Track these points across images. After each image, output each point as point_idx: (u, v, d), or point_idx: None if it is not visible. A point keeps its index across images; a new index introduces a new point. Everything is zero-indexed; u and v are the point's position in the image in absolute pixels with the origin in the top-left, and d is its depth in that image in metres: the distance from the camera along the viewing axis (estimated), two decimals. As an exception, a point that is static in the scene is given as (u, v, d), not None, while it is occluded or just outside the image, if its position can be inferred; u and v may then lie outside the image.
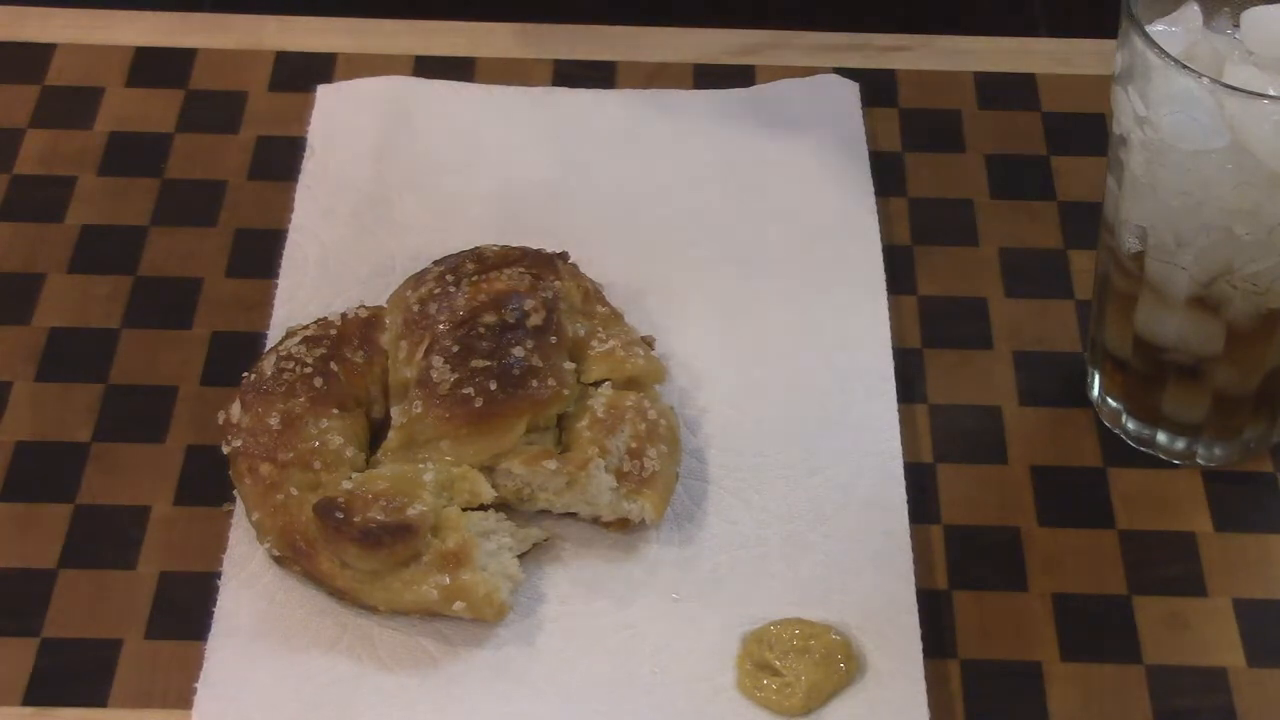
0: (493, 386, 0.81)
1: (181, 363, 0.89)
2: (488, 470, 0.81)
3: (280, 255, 0.93)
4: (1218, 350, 0.81)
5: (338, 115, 1.00)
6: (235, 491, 0.82)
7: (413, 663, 0.78)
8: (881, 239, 0.94)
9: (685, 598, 0.80)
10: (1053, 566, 0.82)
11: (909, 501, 0.83)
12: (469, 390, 0.81)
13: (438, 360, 0.82)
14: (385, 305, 0.87)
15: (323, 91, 1.01)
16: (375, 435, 0.84)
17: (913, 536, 0.82)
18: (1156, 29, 0.78)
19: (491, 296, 0.83)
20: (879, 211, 0.95)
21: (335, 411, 0.82)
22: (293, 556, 0.79)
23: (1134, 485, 0.85)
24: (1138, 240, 0.81)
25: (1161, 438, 0.86)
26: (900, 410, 0.87)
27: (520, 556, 0.80)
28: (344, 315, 0.86)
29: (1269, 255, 0.78)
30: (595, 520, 0.82)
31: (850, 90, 1.02)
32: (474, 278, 0.85)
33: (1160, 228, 0.79)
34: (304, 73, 1.03)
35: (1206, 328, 0.81)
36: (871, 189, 0.96)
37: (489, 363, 0.81)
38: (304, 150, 0.98)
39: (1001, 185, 0.98)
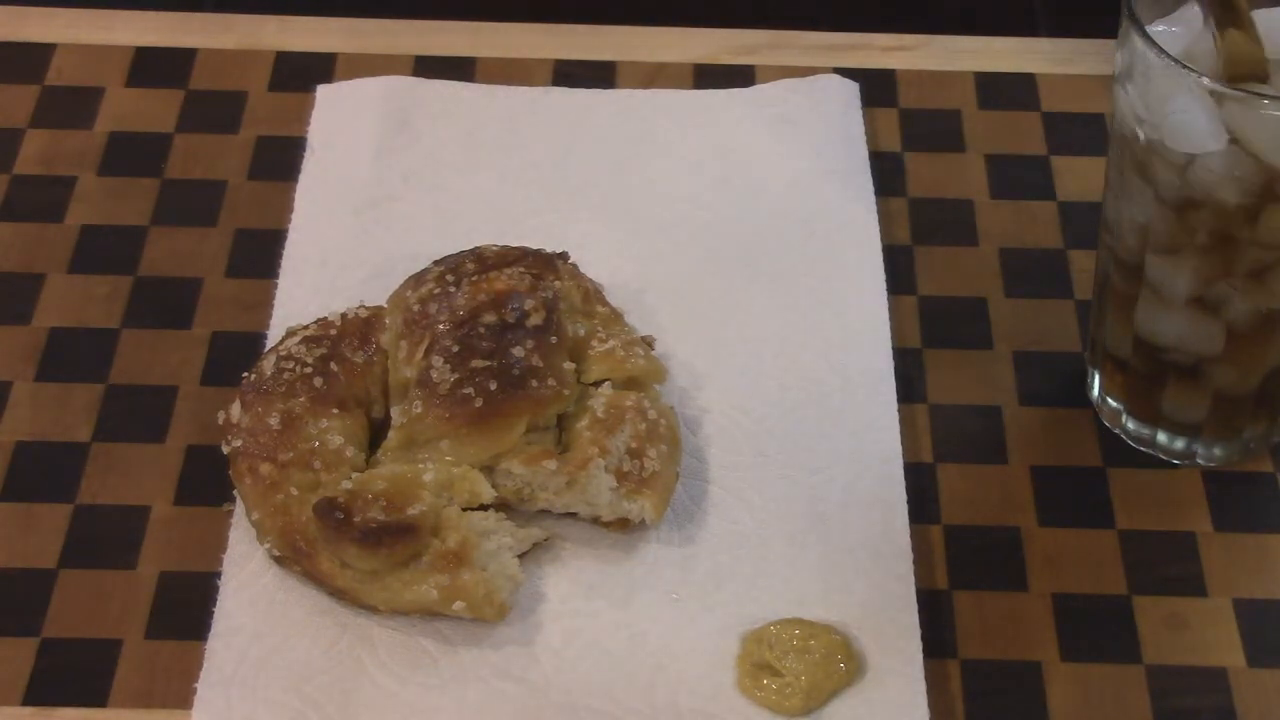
0: (493, 386, 0.81)
1: (181, 363, 0.89)
2: (488, 470, 0.81)
3: (280, 255, 0.93)
4: (1217, 350, 0.81)
5: (338, 115, 1.00)
6: (235, 491, 0.82)
7: (413, 663, 0.78)
8: (881, 239, 0.94)
9: (685, 598, 0.80)
10: (1053, 566, 0.82)
11: (909, 501, 0.83)
12: (469, 390, 0.81)
13: (438, 360, 0.82)
14: (385, 305, 0.87)
15: (323, 91, 1.01)
16: (375, 435, 0.84)
17: (913, 536, 0.82)
18: (1157, 29, 0.78)
19: (491, 296, 0.83)
20: (879, 211, 0.95)
21: (335, 411, 0.82)
22: (293, 556, 0.79)
23: (1134, 485, 0.85)
24: (1138, 240, 0.81)
25: (1161, 438, 0.86)
26: (900, 410, 0.87)
27: (520, 556, 0.80)
28: (344, 315, 0.86)
29: (1268, 255, 0.78)
30: (595, 520, 0.82)
31: (850, 90, 1.02)
32: (474, 278, 0.85)
33: (1160, 228, 0.79)
34: (304, 73, 1.03)
35: (1206, 328, 0.81)
36: (871, 189, 0.96)
37: (489, 363, 0.81)
38: (304, 150, 0.98)
39: (1001, 185, 0.98)
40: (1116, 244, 0.82)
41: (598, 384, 0.84)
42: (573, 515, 0.82)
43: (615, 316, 0.87)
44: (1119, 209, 0.81)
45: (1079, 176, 0.99)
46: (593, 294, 0.88)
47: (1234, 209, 0.76)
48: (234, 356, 0.88)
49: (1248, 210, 0.76)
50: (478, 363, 0.81)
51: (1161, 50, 0.75)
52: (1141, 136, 0.78)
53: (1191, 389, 0.83)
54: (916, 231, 0.96)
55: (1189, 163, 0.76)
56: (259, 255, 0.93)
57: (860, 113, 1.00)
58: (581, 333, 0.85)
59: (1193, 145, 0.76)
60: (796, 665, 0.77)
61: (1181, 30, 0.78)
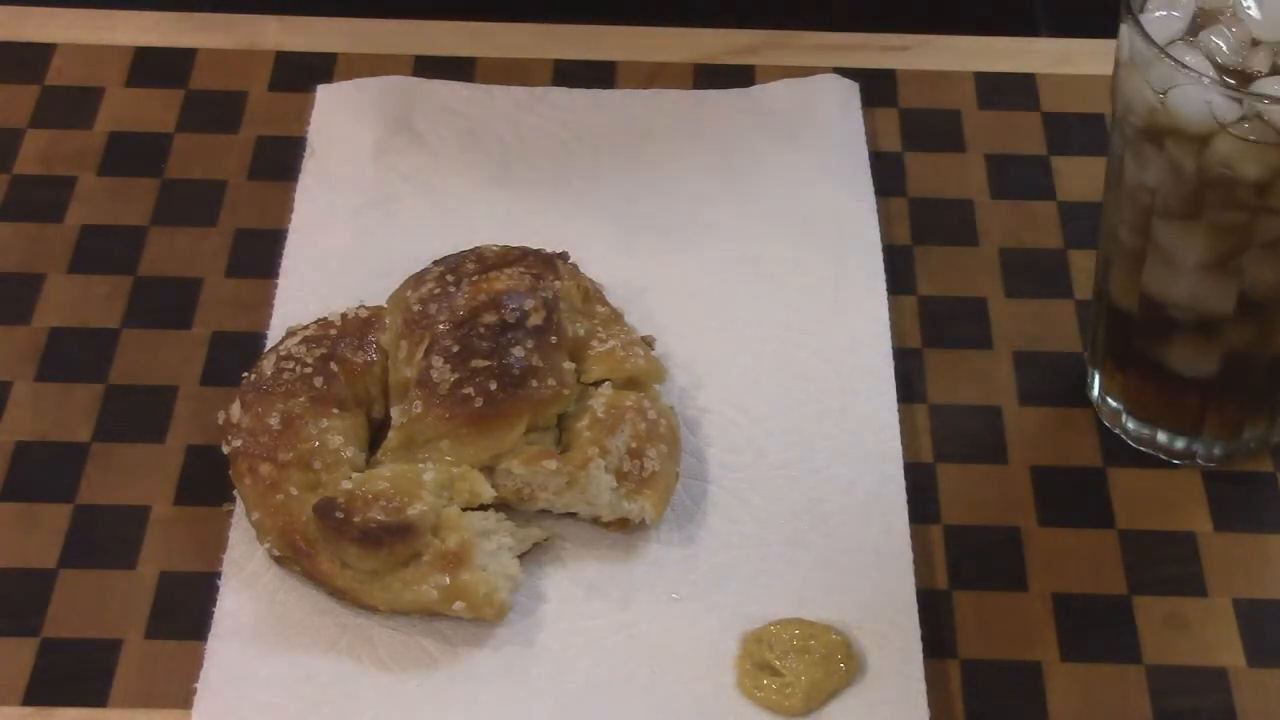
0: (493, 386, 0.81)
1: (181, 363, 0.89)
2: (488, 470, 0.81)
3: (280, 255, 0.93)
4: (1229, 310, 0.80)
5: (338, 115, 1.00)
6: (235, 491, 0.82)
7: (413, 663, 0.78)
8: (881, 239, 0.94)
9: (685, 598, 0.80)
10: (1053, 566, 0.82)
11: (909, 501, 0.83)
12: (469, 390, 0.81)
13: (438, 360, 0.82)
14: (385, 305, 0.87)
15: (323, 91, 1.01)
16: (375, 435, 0.84)
17: (913, 536, 0.82)
18: (1156, 15, 0.77)
19: (491, 296, 0.83)
20: (879, 211, 0.95)
21: (335, 411, 0.82)
22: (293, 556, 0.79)
23: (1134, 485, 0.85)
24: (1144, 209, 0.80)
25: (1161, 437, 0.86)
26: (900, 410, 0.87)
27: (520, 556, 0.80)
28: (344, 315, 0.86)
29: None
30: (595, 520, 0.82)
31: (850, 90, 1.02)
32: (474, 278, 0.85)
33: (1170, 194, 0.79)
34: (304, 73, 1.03)
35: (1220, 288, 0.80)
36: (871, 189, 0.96)
37: (489, 363, 0.81)
38: (304, 150, 0.98)
39: (1001, 185, 0.98)
40: (1121, 219, 0.81)
41: (598, 384, 0.84)
42: (573, 515, 0.82)
43: (615, 316, 0.87)
44: (1122, 183, 0.80)
45: (1079, 176, 0.98)
46: (593, 294, 0.88)
47: (1251, 182, 0.76)
48: (234, 356, 0.88)
49: (1266, 183, 0.76)
50: (478, 363, 0.81)
51: (1161, 49, 0.75)
52: (1150, 115, 0.77)
53: (1201, 344, 0.82)
54: (916, 231, 0.96)
55: (1199, 143, 0.76)
56: (259, 255, 0.93)
57: (860, 113, 1.00)
58: (581, 333, 0.85)
59: (1201, 126, 0.75)
60: (796, 665, 0.77)
61: (1181, 14, 0.78)
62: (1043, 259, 0.95)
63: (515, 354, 0.82)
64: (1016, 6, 1.15)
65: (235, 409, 0.82)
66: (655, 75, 1.04)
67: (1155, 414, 0.85)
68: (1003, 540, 0.83)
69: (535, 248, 0.87)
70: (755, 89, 1.02)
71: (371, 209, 0.95)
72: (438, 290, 0.84)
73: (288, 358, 0.83)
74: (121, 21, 1.06)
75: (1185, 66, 0.75)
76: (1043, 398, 0.89)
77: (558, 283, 0.85)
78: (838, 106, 1.00)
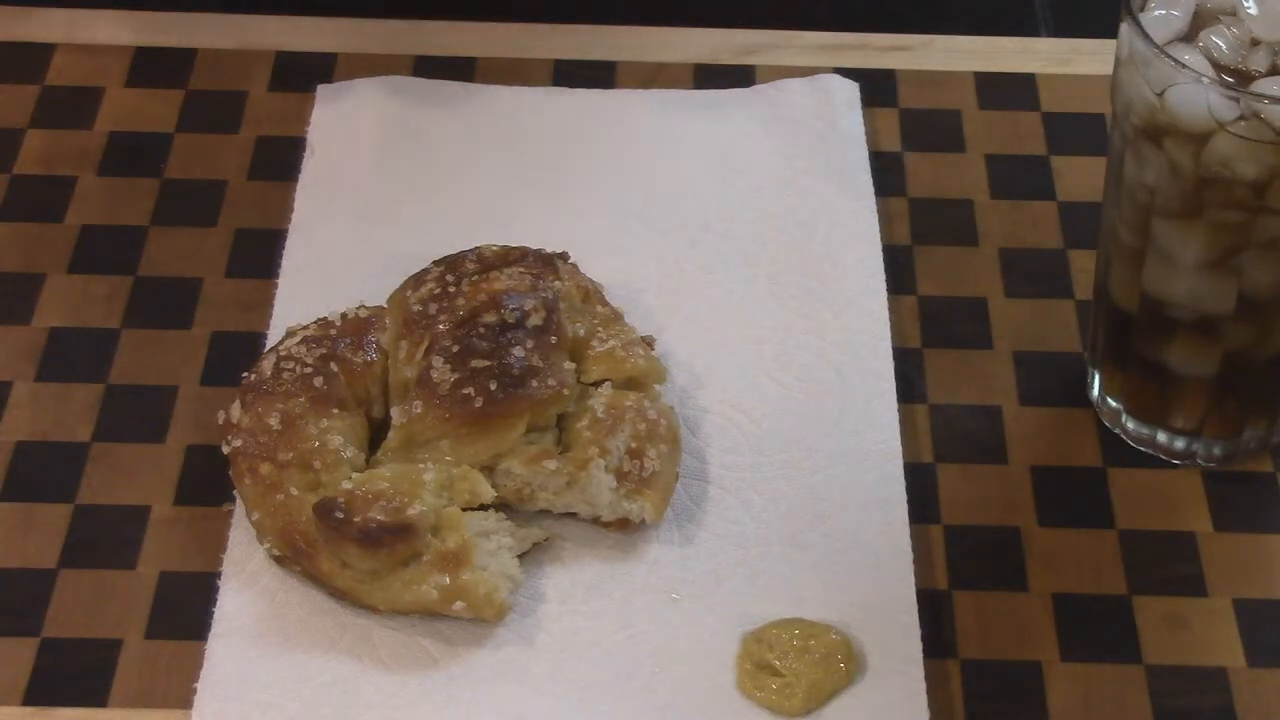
0: (493, 386, 0.81)
1: (181, 363, 0.89)
2: (488, 470, 0.81)
3: (280, 255, 0.93)
4: (1229, 309, 0.80)
5: (338, 115, 1.00)
6: (235, 491, 0.82)
7: (413, 663, 0.78)
8: (881, 239, 0.94)
9: (685, 598, 0.80)
10: (1053, 566, 0.82)
11: (909, 501, 0.83)
12: (469, 390, 0.81)
13: (438, 360, 0.82)
14: (385, 305, 0.87)
15: (323, 91, 1.01)
16: (375, 435, 0.84)
17: (913, 536, 0.82)
18: (1156, 15, 0.77)
19: (491, 296, 0.83)
20: (879, 211, 0.95)
21: (335, 411, 0.82)
22: (293, 556, 0.79)
23: (1134, 485, 0.85)
24: (1144, 208, 0.80)
25: (1161, 437, 0.86)
26: (900, 410, 0.87)
27: (520, 556, 0.80)
28: (344, 315, 0.86)
29: None
30: (595, 520, 0.82)
31: (850, 90, 1.02)
32: (474, 278, 0.85)
33: (1170, 193, 0.78)
34: (304, 73, 1.03)
35: (1220, 287, 0.80)
36: (871, 189, 0.96)
37: (489, 363, 0.81)
38: (304, 150, 0.98)
39: (1001, 185, 0.98)
40: (1122, 216, 0.81)
41: (598, 384, 0.84)
42: (573, 515, 0.82)
43: (615, 316, 0.87)
44: (1124, 176, 0.80)
45: (1079, 176, 0.98)
46: (593, 294, 0.88)
47: (1250, 180, 0.76)
48: (234, 356, 0.88)
49: (1264, 183, 0.76)
50: (478, 363, 0.81)
51: (1160, 49, 0.75)
52: (1149, 115, 0.77)
53: (1201, 344, 0.82)
54: (916, 231, 0.96)
55: (1199, 142, 0.76)
56: (259, 255, 0.93)
57: (860, 113, 1.00)
58: (581, 333, 0.85)
59: (1201, 125, 0.75)
60: (796, 665, 0.77)
61: (1181, 13, 0.78)
62: (1043, 259, 0.95)
63: (515, 354, 0.82)
64: (1016, 6, 1.15)
65: (235, 409, 0.82)
66: (655, 75, 1.04)
67: (1155, 414, 0.85)
68: (1003, 540, 0.83)
69: (535, 248, 0.88)
70: (755, 89, 1.02)
71: (371, 209, 0.95)
72: (438, 290, 0.84)
73: (288, 358, 0.83)
74: (121, 21, 1.06)
75: (1184, 66, 0.75)
76: (1043, 398, 0.89)
77: (558, 283, 0.85)
78: (838, 106, 1.00)
